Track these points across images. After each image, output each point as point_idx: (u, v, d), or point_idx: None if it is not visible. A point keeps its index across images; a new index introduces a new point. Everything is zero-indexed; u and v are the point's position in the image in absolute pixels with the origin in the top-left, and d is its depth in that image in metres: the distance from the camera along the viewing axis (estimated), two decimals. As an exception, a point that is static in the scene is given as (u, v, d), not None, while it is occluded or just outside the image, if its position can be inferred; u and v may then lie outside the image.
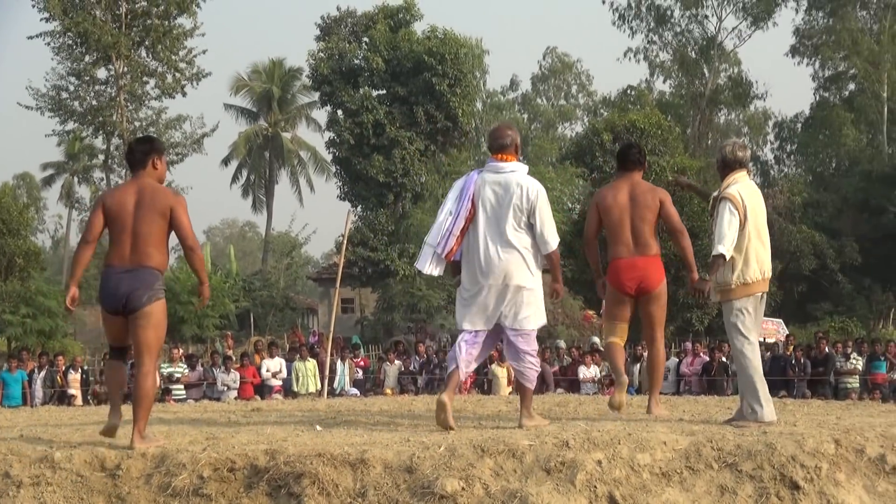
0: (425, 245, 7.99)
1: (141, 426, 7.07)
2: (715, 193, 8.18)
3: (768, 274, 8.04)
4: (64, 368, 22.08)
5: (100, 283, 7.42)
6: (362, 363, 24.46)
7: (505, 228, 7.73)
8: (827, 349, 22.05)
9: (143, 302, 7.20)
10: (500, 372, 21.39)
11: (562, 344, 25.33)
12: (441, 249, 7.84)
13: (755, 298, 7.95)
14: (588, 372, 21.66)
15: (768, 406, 7.74)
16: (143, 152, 7.58)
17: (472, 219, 7.83)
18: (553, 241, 7.85)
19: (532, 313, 7.77)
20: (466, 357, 7.78)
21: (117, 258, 7.32)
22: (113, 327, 7.47)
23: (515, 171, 7.88)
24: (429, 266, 7.98)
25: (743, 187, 7.98)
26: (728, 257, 7.80)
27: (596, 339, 25.84)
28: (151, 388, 7.26)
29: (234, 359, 22.31)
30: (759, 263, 7.92)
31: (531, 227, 7.79)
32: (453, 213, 7.84)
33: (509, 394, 18.47)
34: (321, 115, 48.76)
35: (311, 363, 21.90)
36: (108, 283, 7.31)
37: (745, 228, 7.86)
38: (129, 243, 7.30)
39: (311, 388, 21.22)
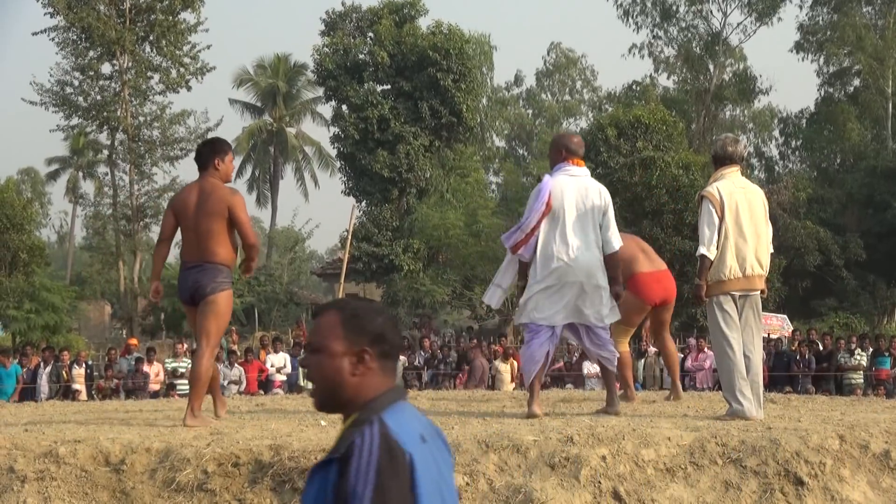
0: (492, 286, 8.63)
1: (195, 405, 7.84)
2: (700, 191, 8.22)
3: (752, 272, 7.96)
4: (68, 363, 22.13)
5: (178, 278, 8.19)
6: None
7: (589, 230, 8.12)
8: (830, 345, 22.08)
9: (207, 292, 7.91)
10: (504, 368, 21.41)
11: (573, 340, 25.29)
12: (509, 242, 8.20)
13: (733, 297, 7.93)
14: (593, 368, 21.61)
15: (746, 402, 7.72)
16: (205, 154, 8.23)
17: (543, 217, 8.10)
18: (617, 242, 8.27)
19: (612, 309, 8.23)
20: (549, 357, 8.28)
21: (187, 255, 8.08)
22: (192, 318, 8.21)
23: (588, 176, 8.34)
24: (489, 297, 8.68)
25: (724, 184, 7.99)
26: (711, 257, 7.85)
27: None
28: (206, 371, 7.93)
29: (238, 354, 22.31)
30: (737, 260, 7.88)
31: (600, 228, 8.21)
32: (529, 211, 8.16)
33: (513, 389, 18.50)
34: (326, 109, 48.79)
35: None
36: (180, 277, 8.07)
37: (721, 225, 7.87)
38: (195, 241, 7.96)
39: (318, 383, 21.17)
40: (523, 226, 8.11)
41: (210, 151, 8.21)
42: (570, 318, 8.10)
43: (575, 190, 8.14)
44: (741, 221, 7.89)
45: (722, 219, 7.86)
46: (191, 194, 8.12)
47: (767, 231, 8.12)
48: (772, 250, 8.23)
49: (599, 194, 8.21)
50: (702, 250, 7.86)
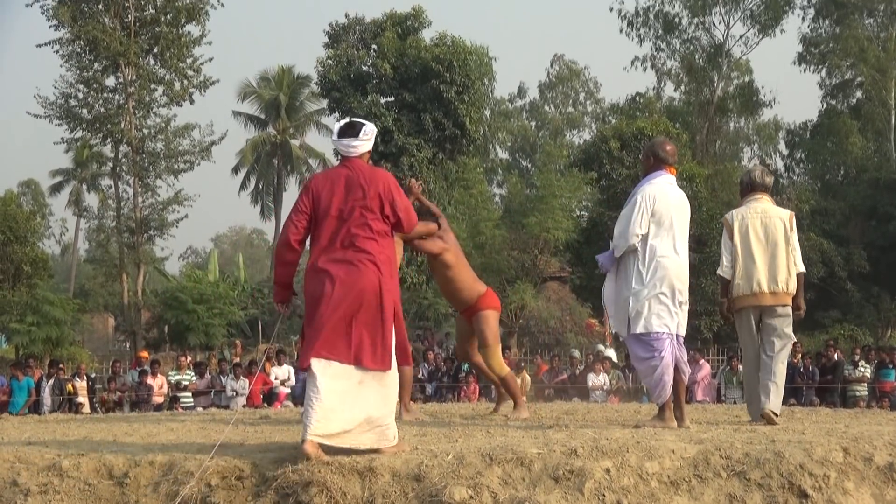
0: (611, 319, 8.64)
1: (406, 402, 10.02)
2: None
3: (760, 289, 8.69)
4: (71, 376, 22.10)
5: None
6: None
7: (686, 240, 8.36)
8: (836, 356, 22.04)
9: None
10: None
11: (576, 353, 25.30)
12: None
13: (749, 311, 8.78)
14: (597, 379, 21.62)
15: (750, 406, 8.95)
16: None
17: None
18: None
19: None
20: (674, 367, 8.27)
21: None
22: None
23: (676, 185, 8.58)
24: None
25: (739, 210, 8.84)
26: (726, 276, 8.78)
27: (601, 347, 25.79)
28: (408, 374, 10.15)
29: (242, 366, 22.30)
30: (745, 279, 8.71)
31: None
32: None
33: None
34: (331, 121, 48.79)
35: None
36: None
37: (735, 248, 8.73)
38: None
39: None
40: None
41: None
42: (678, 326, 8.15)
43: (676, 199, 8.29)
44: (750, 244, 8.67)
45: (731, 242, 8.73)
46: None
47: (787, 251, 8.72)
48: (802, 269, 8.83)
49: (688, 206, 8.49)
50: (718, 271, 8.84)
